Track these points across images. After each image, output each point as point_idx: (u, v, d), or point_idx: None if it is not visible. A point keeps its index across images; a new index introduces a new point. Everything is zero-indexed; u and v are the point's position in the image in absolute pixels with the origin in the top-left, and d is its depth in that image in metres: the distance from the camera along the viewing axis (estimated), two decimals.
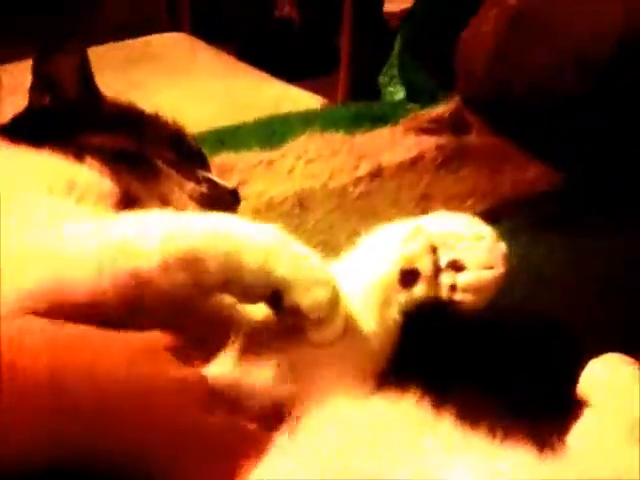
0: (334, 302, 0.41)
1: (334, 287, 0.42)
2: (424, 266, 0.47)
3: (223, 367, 0.38)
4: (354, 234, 0.70)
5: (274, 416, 0.38)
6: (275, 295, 0.40)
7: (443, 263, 0.47)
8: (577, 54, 0.84)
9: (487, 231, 0.48)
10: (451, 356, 0.54)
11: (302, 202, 0.78)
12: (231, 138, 0.92)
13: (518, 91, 0.90)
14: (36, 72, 0.55)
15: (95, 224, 0.41)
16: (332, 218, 0.76)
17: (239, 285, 0.40)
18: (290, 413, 0.39)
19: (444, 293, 0.47)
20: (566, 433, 0.45)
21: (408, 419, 0.41)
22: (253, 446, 0.36)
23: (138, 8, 2.29)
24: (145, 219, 0.41)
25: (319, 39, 2.34)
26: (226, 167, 0.82)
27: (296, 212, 0.77)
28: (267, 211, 0.76)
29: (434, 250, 0.47)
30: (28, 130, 0.52)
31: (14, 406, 0.31)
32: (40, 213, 0.43)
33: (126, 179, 0.51)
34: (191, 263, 0.38)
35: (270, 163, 0.86)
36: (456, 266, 0.47)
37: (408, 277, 0.48)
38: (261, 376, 0.39)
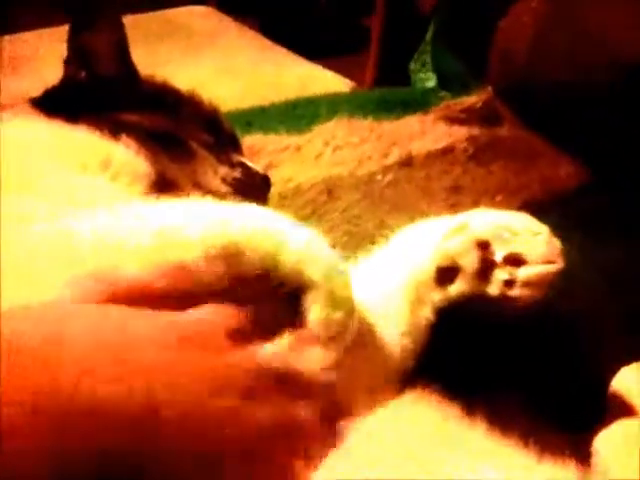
0: (344, 327, 0.40)
1: (351, 311, 0.41)
2: (467, 262, 0.46)
3: (278, 348, 0.37)
4: (382, 223, 0.69)
5: (329, 412, 0.37)
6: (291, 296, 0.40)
7: (499, 258, 0.45)
8: (612, 51, 0.82)
9: (542, 226, 0.46)
10: (480, 356, 0.53)
11: (330, 189, 0.77)
12: (258, 119, 0.91)
13: (553, 84, 0.89)
14: (71, 45, 0.54)
15: (139, 208, 0.40)
16: (360, 206, 0.74)
17: (271, 281, 0.39)
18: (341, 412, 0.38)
19: (495, 289, 0.46)
20: (593, 439, 0.44)
21: (437, 424, 0.40)
22: (309, 441, 0.35)
23: None
24: (188, 208, 0.40)
25: (344, 17, 2.31)
26: (253, 149, 0.80)
27: (323, 199, 0.75)
28: (294, 197, 0.75)
29: (482, 245, 0.46)
30: (63, 104, 0.51)
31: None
32: (77, 193, 0.42)
33: (161, 160, 0.50)
34: (231, 255, 0.38)
35: (298, 148, 0.84)
36: (515, 260, 0.45)
37: (445, 275, 0.47)
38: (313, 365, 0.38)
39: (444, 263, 0.47)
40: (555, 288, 0.59)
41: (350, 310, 0.41)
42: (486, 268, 0.45)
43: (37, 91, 0.56)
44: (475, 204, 0.76)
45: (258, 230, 0.39)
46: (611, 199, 0.77)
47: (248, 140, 0.81)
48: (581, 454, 0.41)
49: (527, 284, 0.44)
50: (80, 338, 0.31)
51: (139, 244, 0.36)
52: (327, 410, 0.37)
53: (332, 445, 0.37)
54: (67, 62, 0.54)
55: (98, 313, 0.33)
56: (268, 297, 0.39)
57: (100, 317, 0.33)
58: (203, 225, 0.38)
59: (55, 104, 0.52)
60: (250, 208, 0.41)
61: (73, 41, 0.54)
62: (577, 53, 0.85)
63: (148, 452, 0.30)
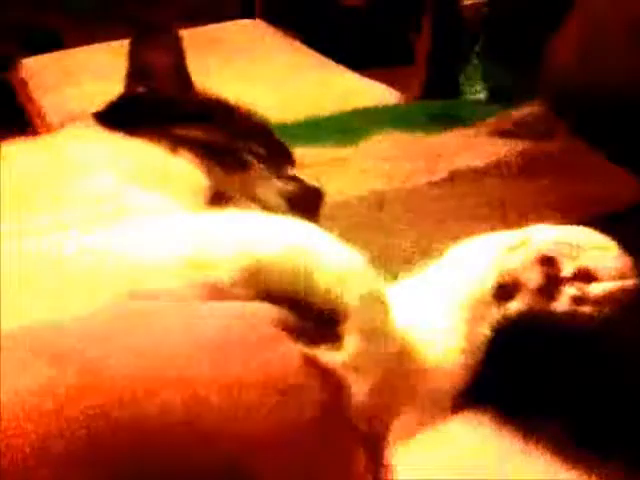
0: (381, 358, 0.39)
1: (390, 341, 0.40)
2: (530, 279, 0.45)
3: (339, 353, 0.36)
4: (430, 238, 0.68)
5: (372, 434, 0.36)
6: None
7: (567, 273, 0.44)
8: None
9: (610, 241, 0.45)
10: (538, 375, 0.51)
11: (375, 203, 0.76)
12: (305, 132, 0.91)
13: (605, 98, 0.87)
14: (131, 60, 0.55)
15: (177, 224, 0.40)
16: (407, 221, 0.74)
17: (302, 302, 0.38)
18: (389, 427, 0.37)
19: (563, 306, 0.44)
20: None
21: (490, 449, 0.39)
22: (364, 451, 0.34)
23: None
24: (224, 224, 0.40)
25: (386, 30, 2.31)
26: (299, 162, 0.81)
27: (369, 213, 0.75)
28: (341, 211, 0.74)
29: (546, 261, 0.45)
30: (123, 118, 0.52)
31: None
32: (132, 206, 0.42)
33: (217, 173, 0.50)
34: (263, 278, 0.37)
35: (344, 161, 0.84)
36: (584, 276, 0.44)
37: (504, 291, 0.46)
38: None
39: (504, 280, 0.46)
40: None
41: (388, 340, 0.39)
42: (550, 284, 0.44)
43: (92, 104, 0.57)
44: (525, 220, 0.74)
45: (292, 249, 0.38)
46: None
47: (294, 152, 0.81)
48: None
49: (598, 301, 0.43)
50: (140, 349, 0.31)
51: (171, 263, 0.36)
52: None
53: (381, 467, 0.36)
54: (127, 77, 0.55)
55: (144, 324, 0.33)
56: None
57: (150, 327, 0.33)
58: (233, 243, 0.37)
59: (116, 117, 0.53)
60: (286, 224, 0.40)
61: (133, 56, 0.55)
62: (626, 62, 0.83)
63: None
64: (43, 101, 1.21)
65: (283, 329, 0.34)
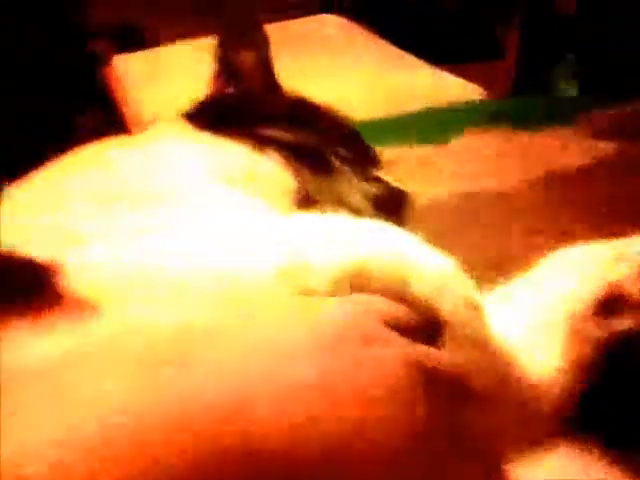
0: (481, 368, 0.37)
1: (489, 349, 0.38)
2: (638, 292, 0.41)
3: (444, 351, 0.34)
4: (525, 244, 0.65)
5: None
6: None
7: None
8: None
9: None
10: None
11: (467, 205, 0.73)
12: (390, 130, 0.89)
13: None
14: (219, 61, 0.55)
15: (270, 228, 0.39)
16: (501, 225, 0.70)
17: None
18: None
19: None
20: None
21: None
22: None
23: None
24: (318, 229, 0.39)
25: (476, 25, 2.25)
26: (386, 162, 0.78)
27: (460, 216, 0.72)
28: (429, 213, 0.71)
29: None
30: (212, 118, 0.52)
31: None
32: (223, 207, 0.42)
33: (303, 175, 0.49)
34: (358, 285, 0.35)
35: (430, 161, 0.81)
36: None
37: (610, 306, 0.42)
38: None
39: (608, 293, 0.42)
40: None
41: (487, 350, 0.38)
42: None
43: (182, 102, 0.58)
44: (631, 225, 0.69)
45: (388, 257, 0.36)
46: None
47: (380, 152, 0.79)
48: None
49: None
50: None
51: (267, 271, 0.35)
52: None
53: None
54: (215, 76, 0.55)
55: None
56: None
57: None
58: (330, 250, 0.36)
59: (204, 117, 0.53)
60: (380, 230, 0.39)
61: (221, 57, 0.55)
62: None
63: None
64: (134, 98, 1.24)
65: (393, 327, 0.32)
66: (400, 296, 0.35)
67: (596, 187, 0.76)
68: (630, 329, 0.42)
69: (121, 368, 0.27)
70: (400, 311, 0.34)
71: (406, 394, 0.29)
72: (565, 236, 0.49)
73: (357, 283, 0.35)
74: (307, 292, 0.35)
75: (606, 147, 0.82)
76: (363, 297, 0.34)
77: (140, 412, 0.25)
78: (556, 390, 0.42)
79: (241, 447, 0.25)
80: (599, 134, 0.85)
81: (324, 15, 1.60)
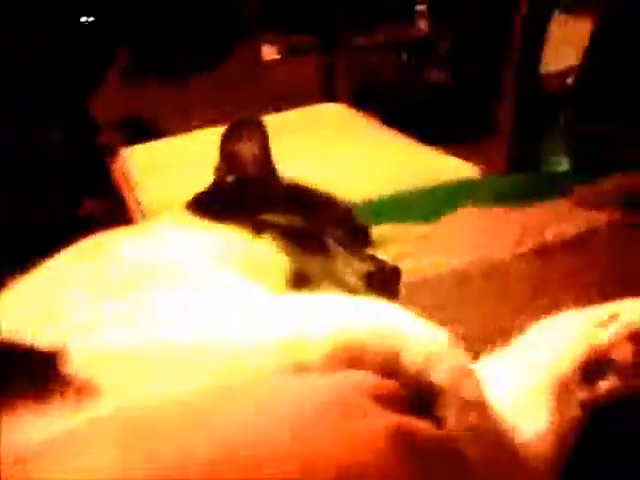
0: (479, 429, 0.39)
1: (485, 411, 0.40)
2: (621, 355, 0.43)
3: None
4: (518, 316, 0.66)
5: None
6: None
7: None
8: None
9: None
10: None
11: (460, 279, 0.75)
12: (388, 210, 0.92)
13: None
14: (222, 151, 0.59)
15: (268, 307, 0.41)
16: (493, 297, 0.72)
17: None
18: None
19: None
20: None
21: None
22: None
23: (294, 77, 2.43)
24: (313, 307, 0.41)
25: (469, 103, 2.33)
26: (382, 240, 0.81)
27: (455, 290, 0.74)
28: (425, 288, 0.74)
29: (635, 337, 0.43)
30: (212, 205, 0.56)
31: None
32: (223, 290, 0.44)
33: (299, 256, 0.52)
34: (354, 359, 0.37)
35: (427, 237, 0.84)
36: None
37: (595, 369, 0.44)
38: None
39: (593, 357, 0.44)
40: None
41: (483, 414, 0.39)
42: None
43: (186, 192, 0.62)
44: (621, 293, 0.71)
45: (380, 330, 0.38)
46: None
47: (378, 230, 0.82)
48: None
49: None
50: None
51: (265, 347, 0.37)
52: None
53: None
54: (217, 167, 0.60)
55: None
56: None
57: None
58: (324, 326, 0.38)
59: (205, 205, 0.57)
60: (373, 305, 0.41)
61: (224, 148, 0.59)
62: None
63: None
64: (140, 189, 1.29)
65: (377, 400, 0.34)
66: (394, 368, 0.37)
67: (586, 257, 0.78)
68: (614, 391, 0.43)
69: (117, 443, 0.29)
70: (387, 385, 0.36)
71: (388, 465, 0.30)
72: (553, 305, 0.51)
73: (351, 357, 0.37)
74: (304, 365, 0.37)
75: (597, 217, 0.84)
76: (350, 373, 0.36)
77: None
78: (546, 451, 0.43)
79: None
80: (590, 206, 0.88)
81: (327, 104, 1.68)
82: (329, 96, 1.87)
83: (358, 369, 0.37)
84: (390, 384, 0.36)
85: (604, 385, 0.43)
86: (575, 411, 0.43)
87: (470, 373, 0.40)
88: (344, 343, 0.37)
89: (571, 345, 0.45)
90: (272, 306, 0.42)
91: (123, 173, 1.39)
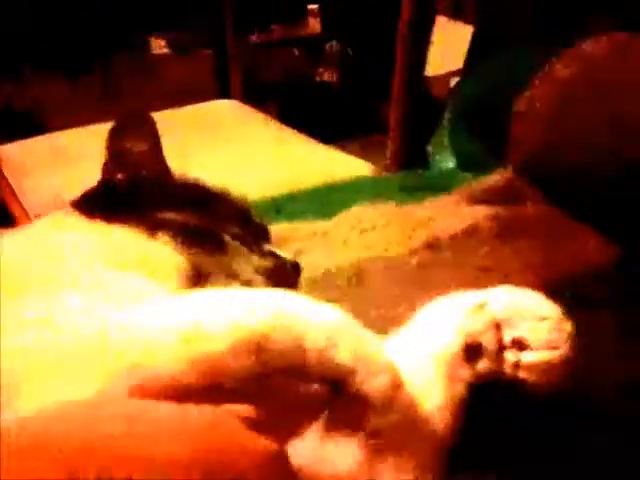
0: (396, 388, 0.41)
1: (395, 373, 0.42)
2: (487, 341, 0.46)
3: (304, 446, 0.37)
4: (413, 306, 0.69)
5: None
6: (337, 381, 0.40)
7: (507, 340, 0.46)
8: (629, 123, 0.84)
9: (552, 310, 0.47)
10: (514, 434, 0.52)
11: (358, 274, 0.78)
12: (286, 207, 0.93)
13: (572, 162, 0.90)
14: (111, 148, 0.57)
15: (168, 304, 0.41)
16: (390, 290, 0.75)
17: (301, 370, 0.40)
18: None
19: (508, 370, 0.46)
20: None
21: None
22: None
23: (187, 74, 2.39)
24: (214, 300, 0.41)
25: (358, 103, 2.40)
26: (282, 237, 0.82)
27: (353, 284, 0.76)
28: (323, 282, 0.75)
29: (497, 326, 0.47)
30: (102, 205, 0.54)
31: None
32: (116, 289, 0.43)
33: (196, 254, 0.52)
34: (258, 347, 0.38)
35: (325, 233, 0.86)
36: (520, 345, 0.46)
37: (473, 351, 0.47)
38: (343, 460, 0.38)
39: (469, 341, 0.47)
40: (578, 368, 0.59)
41: (393, 371, 0.41)
42: (501, 349, 0.46)
43: (74, 190, 0.59)
44: (504, 283, 0.76)
45: (283, 318, 0.39)
46: None
47: (277, 228, 0.83)
48: None
49: (530, 369, 0.44)
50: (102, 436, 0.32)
51: (168, 339, 0.37)
52: None
53: None
54: (105, 164, 0.57)
55: (125, 408, 0.34)
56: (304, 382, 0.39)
57: (126, 411, 0.34)
58: (228, 318, 0.38)
59: (94, 205, 0.54)
60: (273, 294, 0.42)
61: (112, 145, 0.57)
62: (593, 125, 0.87)
63: None
64: (21, 187, 1.22)
65: (249, 426, 0.35)
66: (299, 354, 0.38)
67: (475, 250, 0.83)
68: (489, 371, 0.47)
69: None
70: (250, 410, 0.37)
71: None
72: (442, 294, 0.53)
73: (255, 347, 0.38)
74: (209, 357, 0.37)
75: (483, 213, 0.89)
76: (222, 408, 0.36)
77: None
78: (444, 427, 0.46)
79: None
80: (476, 201, 0.93)
81: (221, 100, 1.66)
82: (223, 93, 1.86)
83: (266, 358, 0.38)
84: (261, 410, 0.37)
85: (480, 367, 0.47)
86: (461, 389, 0.46)
87: (370, 340, 0.42)
88: (245, 333, 0.38)
89: (450, 330, 0.48)
90: (174, 301, 0.42)
91: (3, 170, 1.31)
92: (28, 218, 1.12)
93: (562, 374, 0.46)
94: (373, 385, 0.40)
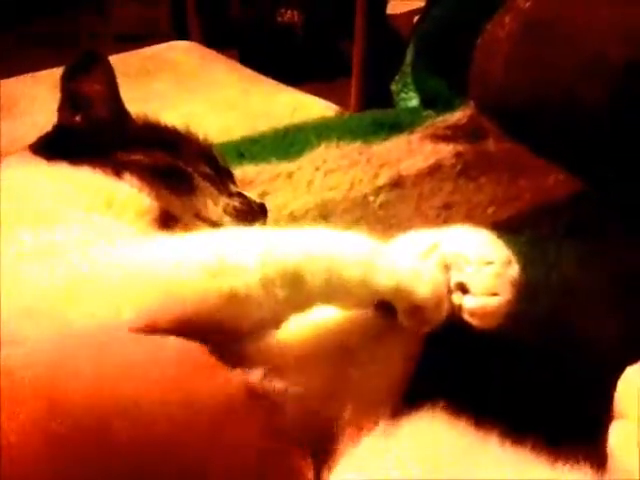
0: (438, 286, 0.43)
1: (432, 275, 0.43)
2: (440, 282, 0.46)
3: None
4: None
5: (320, 441, 0.38)
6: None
7: (452, 284, 0.46)
8: (593, 58, 0.84)
9: (497, 255, 0.46)
10: (475, 372, 0.53)
11: (324, 214, 0.78)
12: (249, 150, 0.92)
13: (533, 96, 0.91)
14: (65, 91, 0.55)
15: (188, 240, 0.41)
16: (355, 229, 0.75)
17: (344, 298, 0.41)
18: (336, 439, 0.38)
19: (455, 312, 0.46)
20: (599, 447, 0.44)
21: (449, 440, 0.41)
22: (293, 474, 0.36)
23: (141, 16, 2.30)
24: (241, 236, 0.41)
25: (321, 44, 2.35)
26: (246, 179, 0.82)
27: (318, 224, 0.76)
28: (289, 224, 0.76)
29: (447, 268, 0.46)
30: (62, 148, 0.52)
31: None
32: (86, 230, 0.43)
33: (163, 194, 0.51)
34: (292, 279, 0.38)
35: (289, 175, 0.85)
36: (463, 289, 0.45)
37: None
38: (309, 388, 0.39)
39: None
40: (548, 298, 0.60)
41: (430, 275, 0.43)
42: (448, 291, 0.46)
43: (31, 135, 0.57)
44: (467, 219, 0.77)
45: (315, 250, 0.40)
46: (603, 206, 0.79)
47: (240, 170, 0.82)
48: (596, 459, 0.41)
49: (471, 313, 0.44)
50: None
51: (194, 275, 0.37)
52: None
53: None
54: (61, 107, 0.56)
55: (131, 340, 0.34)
56: None
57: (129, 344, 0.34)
58: (258, 252, 0.38)
59: (53, 148, 0.53)
60: (305, 231, 0.43)
61: (66, 87, 0.55)
62: (556, 58, 0.87)
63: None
64: None
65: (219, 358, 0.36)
66: (339, 283, 0.39)
67: (439, 187, 0.84)
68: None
69: None
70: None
71: (235, 409, 0.34)
72: (406, 232, 0.54)
73: (291, 276, 0.38)
74: (235, 293, 0.37)
75: (446, 150, 0.90)
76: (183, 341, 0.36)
77: None
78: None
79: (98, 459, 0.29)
80: (439, 139, 0.93)
81: (179, 42, 1.61)
82: (181, 35, 1.80)
83: (301, 290, 0.38)
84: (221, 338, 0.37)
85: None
86: None
87: (402, 255, 0.43)
88: (280, 264, 0.38)
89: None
90: (194, 238, 0.42)
91: None
92: None
93: (502, 319, 0.45)
94: (422, 292, 0.42)
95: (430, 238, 0.48)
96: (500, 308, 0.45)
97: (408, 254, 0.46)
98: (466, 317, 0.45)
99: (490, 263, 0.45)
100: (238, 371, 0.36)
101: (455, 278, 0.45)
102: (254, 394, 0.36)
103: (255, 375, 0.37)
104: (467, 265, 0.45)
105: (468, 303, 0.45)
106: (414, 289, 0.42)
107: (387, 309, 0.44)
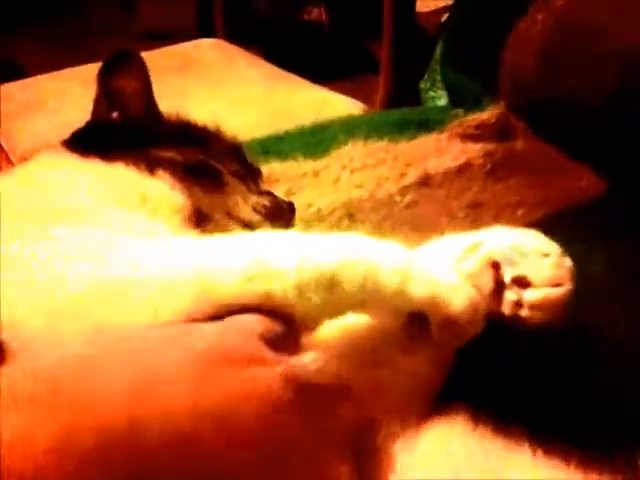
0: (474, 300, 0.42)
1: (468, 288, 0.43)
2: (483, 283, 0.46)
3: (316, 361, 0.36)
4: (405, 244, 0.70)
5: (363, 432, 0.37)
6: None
7: (507, 279, 0.45)
8: (624, 56, 0.83)
9: (552, 246, 0.46)
10: (506, 373, 0.53)
11: (350, 213, 0.78)
12: (276, 147, 0.92)
13: (565, 95, 0.89)
14: (102, 87, 0.56)
15: (227, 242, 0.41)
16: (381, 228, 0.75)
17: (378, 306, 0.41)
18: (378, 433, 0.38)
19: (507, 310, 0.46)
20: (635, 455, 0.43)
21: (470, 446, 0.40)
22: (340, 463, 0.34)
23: (167, 14, 2.32)
24: (278, 239, 0.41)
25: (348, 42, 2.34)
26: (273, 177, 0.81)
27: (345, 223, 0.76)
28: (315, 222, 0.75)
29: (495, 266, 0.46)
30: (95, 143, 0.53)
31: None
32: (120, 228, 0.43)
33: (195, 192, 0.51)
34: (328, 285, 0.38)
35: (316, 173, 0.85)
36: (521, 283, 0.45)
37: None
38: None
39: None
40: (580, 301, 0.59)
41: (465, 288, 0.43)
42: (499, 288, 0.45)
43: (61, 132, 0.58)
44: (496, 220, 0.76)
45: (353, 257, 0.39)
46: (633, 207, 0.77)
47: (267, 168, 0.82)
48: (630, 467, 0.40)
49: (534, 307, 0.44)
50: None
51: (229, 278, 0.37)
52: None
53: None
54: (97, 103, 0.56)
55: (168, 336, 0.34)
56: None
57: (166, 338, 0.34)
58: (296, 255, 0.38)
59: (86, 144, 0.53)
60: (342, 237, 0.42)
61: (103, 83, 0.56)
62: (588, 57, 0.86)
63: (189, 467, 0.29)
64: (4, 131, 1.19)
65: (266, 341, 0.35)
66: (374, 290, 0.39)
67: (467, 186, 0.83)
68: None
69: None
70: (275, 326, 0.36)
71: (279, 408, 0.32)
72: (437, 232, 0.53)
73: (327, 281, 0.38)
74: (270, 296, 0.37)
75: (474, 149, 0.89)
76: (238, 318, 0.36)
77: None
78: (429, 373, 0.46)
79: (131, 466, 0.28)
80: (467, 138, 0.92)
81: (206, 39, 1.62)
82: (207, 32, 1.80)
83: (336, 296, 0.38)
84: (278, 326, 0.37)
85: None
86: None
87: (438, 266, 0.43)
88: (316, 269, 0.38)
89: None
90: (229, 240, 0.41)
91: None
92: (10, 163, 1.10)
93: (564, 310, 0.45)
94: (458, 305, 0.41)
95: (466, 240, 0.47)
96: (564, 298, 0.44)
97: (444, 261, 0.45)
98: (526, 313, 0.44)
99: (547, 255, 0.45)
100: (284, 363, 0.34)
101: (511, 273, 0.45)
102: (302, 389, 0.33)
103: (304, 366, 0.35)
104: (524, 258, 0.44)
105: (530, 296, 0.44)
106: (450, 302, 0.41)
107: (421, 320, 0.43)
